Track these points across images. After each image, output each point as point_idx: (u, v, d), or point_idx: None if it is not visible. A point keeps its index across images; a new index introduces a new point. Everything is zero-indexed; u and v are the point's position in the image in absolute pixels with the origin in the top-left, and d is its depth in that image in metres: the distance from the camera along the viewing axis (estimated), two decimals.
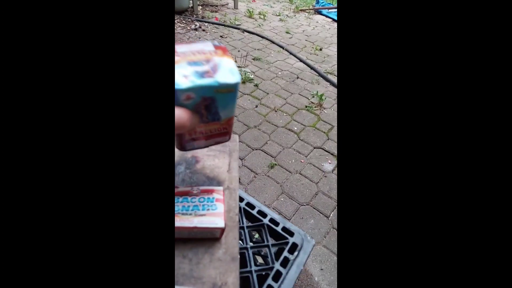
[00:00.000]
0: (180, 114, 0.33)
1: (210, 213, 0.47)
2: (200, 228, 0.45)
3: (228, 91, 0.36)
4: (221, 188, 0.51)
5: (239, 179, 1.44)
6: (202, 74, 0.34)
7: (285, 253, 0.52)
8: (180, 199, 0.48)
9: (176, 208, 0.46)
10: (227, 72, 0.35)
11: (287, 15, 3.81)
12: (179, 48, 0.37)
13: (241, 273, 0.50)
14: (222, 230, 0.46)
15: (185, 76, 0.33)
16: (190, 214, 0.46)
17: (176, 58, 0.36)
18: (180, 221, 0.45)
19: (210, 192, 0.51)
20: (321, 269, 1.13)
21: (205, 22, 3.16)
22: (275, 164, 1.55)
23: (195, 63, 0.35)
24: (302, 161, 1.59)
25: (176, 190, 0.49)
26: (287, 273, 0.49)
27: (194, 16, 3.27)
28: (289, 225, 0.57)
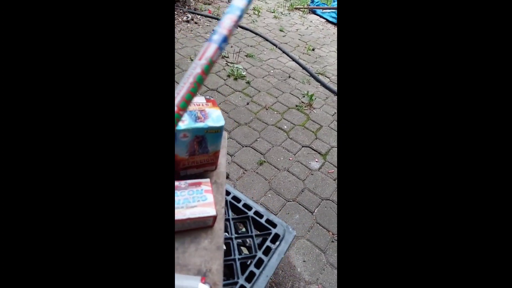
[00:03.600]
0: None
1: (201, 203, 0.50)
2: (193, 218, 0.48)
3: (216, 132, 0.51)
4: (207, 179, 0.55)
5: (228, 174, 1.47)
6: (196, 119, 0.50)
7: (268, 243, 0.56)
8: None
9: None
10: (215, 118, 0.52)
11: (281, 13, 3.82)
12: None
13: (225, 261, 0.54)
14: (215, 217, 0.50)
15: (182, 121, 0.49)
16: (182, 207, 0.49)
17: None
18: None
19: (198, 184, 0.54)
20: (304, 261, 1.19)
21: (198, 14, 3.11)
22: (264, 161, 1.59)
23: (191, 112, 0.52)
24: (290, 158, 1.64)
25: None
26: (268, 260, 0.54)
27: (186, 7, 3.21)
28: (273, 217, 0.61)
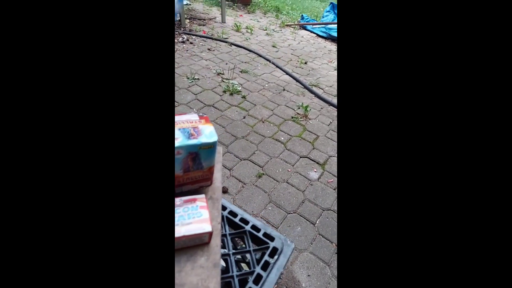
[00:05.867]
0: None
1: (196, 220, 0.50)
2: (189, 236, 0.48)
3: (209, 148, 0.52)
4: (203, 195, 0.54)
5: (227, 189, 1.46)
6: (189, 137, 0.51)
7: (266, 257, 0.55)
8: None
9: None
10: (208, 134, 0.52)
11: (273, 30, 3.95)
12: None
13: (223, 278, 0.52)
14: (210, 234, 0.49)
15: (176, 138, 0.49)
16: (177, 225, 0.48)
17: None
18: None
19: (193, 200, 0.54)
20: (308, 275, 1.15)
21: (193, 35, 3.22)
22: (263, 174, 1.58)
23: (184, 129, 0.52)
24: (289, 170, 1.64)
25: None
26: (267, 276, 0.52)
27: (182, 29, 3.33)
28: (270, 231, 0.60)
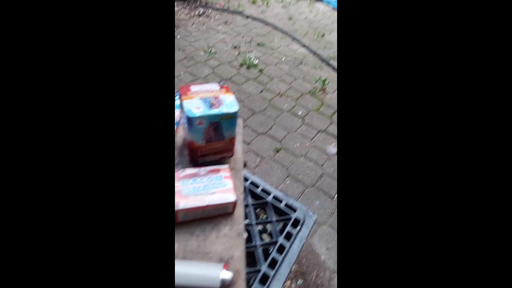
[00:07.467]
0: None
1: (221, 190, 0.49)
2: (214, 205, 0.48)
3: (230, 118, 0.51)
4: (226, 166, 0.54)
5: (246, 163, 1.46)
6: (211, 106, 0.50)
7: (288, 228, 0.55)
8: (190, 181, 0.50)
9: (187, 190, 0.49)
10: (229, 104, 0.51)
11: (289, 2, 3.71)
12: (193, 87, 0.54)
13: (246, 248, 0.52)
14: (234, 204, 0.49)
15: (198, 108, 0.49)
16: (202, 194, 0.48)
17: (191, 95, 0.52)
18: (194, 202, 0.47)
19: (217, 171, 0.53)
20: (327, 249, 1.16)
21: (209, 8, 3.11)
22: (281, 148, 1.56)
23: (205, 99, 0.51)
24: (307, 144, 1.60)
25: (183, 173, 0.52)
26: (290, 246, 0.52)
27: (198, 2, 3.22)
28: (292, 202, 0.59)
